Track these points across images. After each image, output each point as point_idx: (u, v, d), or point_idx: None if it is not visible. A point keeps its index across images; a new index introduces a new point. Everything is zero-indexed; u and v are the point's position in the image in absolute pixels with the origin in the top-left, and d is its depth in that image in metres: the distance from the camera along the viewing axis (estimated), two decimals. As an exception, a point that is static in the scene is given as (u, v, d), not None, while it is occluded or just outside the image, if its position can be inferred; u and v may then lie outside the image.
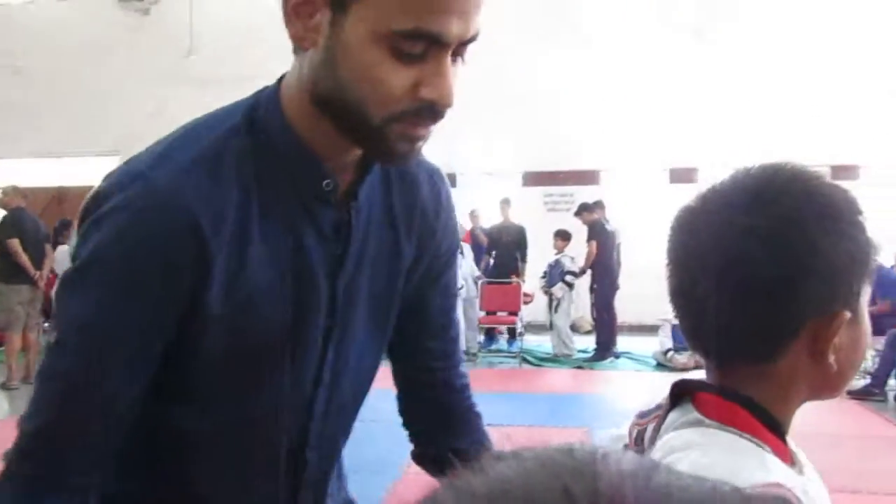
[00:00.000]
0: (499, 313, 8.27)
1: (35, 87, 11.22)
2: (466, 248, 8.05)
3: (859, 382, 6.24)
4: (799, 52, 9.26)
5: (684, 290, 0.69)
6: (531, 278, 8.57)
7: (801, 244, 0.63)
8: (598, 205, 7.96)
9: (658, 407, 0.73)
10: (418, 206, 0.91)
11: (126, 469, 0.82)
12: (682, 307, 0.70)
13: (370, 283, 0.87)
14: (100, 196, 0.74)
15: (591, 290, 7.97)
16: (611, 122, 9.91)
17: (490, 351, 8.42)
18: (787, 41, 9.28)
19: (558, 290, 7.82)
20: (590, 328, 8.72)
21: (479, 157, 9.89)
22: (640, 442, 0.75)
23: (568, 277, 7.80)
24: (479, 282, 8.14)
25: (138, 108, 10.89)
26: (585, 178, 10.16)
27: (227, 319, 0.77)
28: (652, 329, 7.89)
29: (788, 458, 0.67)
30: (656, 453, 0.67)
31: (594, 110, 9.88)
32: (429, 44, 0.67)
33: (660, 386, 0.74)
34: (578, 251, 7.95)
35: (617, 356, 7.82)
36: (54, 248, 7.17)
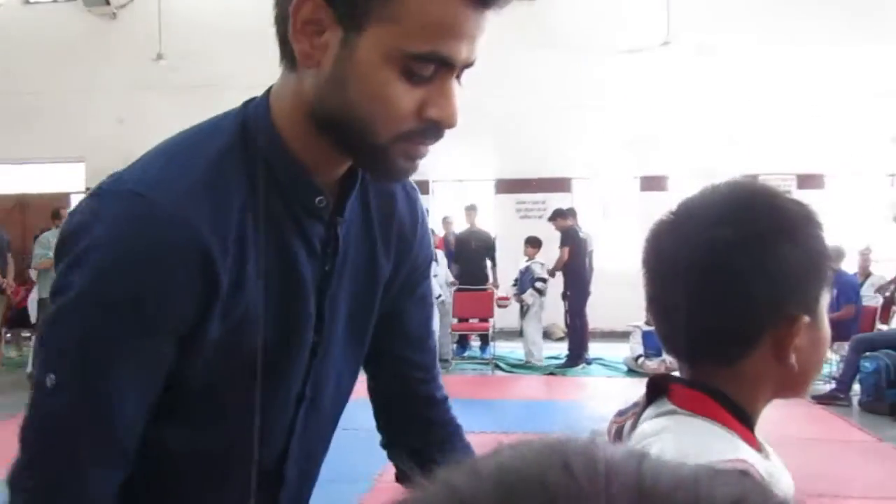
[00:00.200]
0: (471, 320, 8.29)
1: (-2, 92, 10.99)
2: (441, 255, 8.06)
3: (825, 388, 6.37)
4: (767, 65, 9.45)
5: (658, 297, 0.76)
6: (503, 283, 8.61)
7: (763, 255, 0.69)
8: (571, 212, 8.02)
9: (635, 405, 0.78)
10: (395, 219, 0.91)
11: None
12: (657, 313, 0.76)
13: (349, 298, 0.87)
14: (87, 222, 0.71)
15: (564, 297, 8.02)
16: (582, 131, 10.01)
17: (463, 358, 8.42)
18: (756, 55, 9.47)
19: (528, 296, 7.86)
20: (562, 335, 8.77)
21: (453, 164, 9.92)
22: (619, 438, 0.78)
23: (538, 284, 7.83)
24: (452, 288, 8.14)
25: (105, 114, 10.73)
26: (557, 185, 10.24)
27: (223, 340, 0.76)
28: (623, 335, 7.96)
29: (756, 447, 0.72)
30: (632, 442, 0.72)
31: (566, 119, 9.96)
32: (437, 66, 0.69)
33: (631, 391, 0.79)
34: (549, 258, 8.00)
35: (589, 362, 7.87)
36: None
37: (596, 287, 8.12)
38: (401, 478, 1.00)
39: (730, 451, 0.67)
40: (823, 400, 6.04)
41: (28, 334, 8.41)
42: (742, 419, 0.72)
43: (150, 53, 10.21)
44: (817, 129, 9.56)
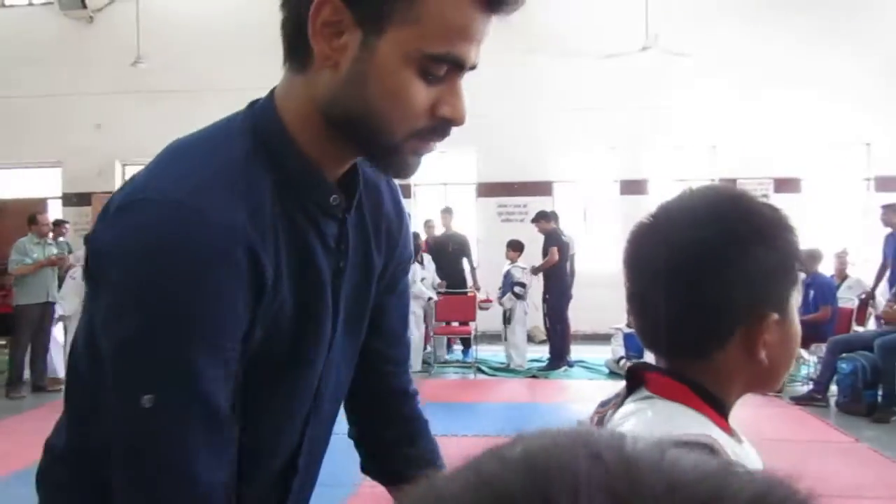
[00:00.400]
0: (452, 323, 8.29)
1: (-27, 96, 10.82)
2: (427, 259, 8.05)
3: (803, 389, 6.44)
4: (745, 70, 9.56)
5: (638, 294, 0.80)
6: (485, 287, 8.61)
7: (735, 256, 0.73)
8: (553, 215, 8.06)
9: (616, 396, 0.82)
10: (384, 215, 0.94)
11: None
12: (636, 309, 0.80)
13: (350, 293, 0.90)
14: (130, 237, 0.71)
15: (544, 299, 8.04)
16: (564, 135, 10.06)
17: (445, 361, 8.42)
18: (734, 60, 9.58)
19: (507, 300, 7.87)
20: (544, 338, 8.80)
21: (435, 168, 9.92)
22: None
23: (516, 289, 7.84)
24: (438, 291, 8.13)
25: (82, 119, 10.60)
26: (539, 189, 10.28)
27: (263, 337, 0.79)
28: (605, 338, 8.00)
29: (729, 432, 0.76)
30: (611, 426, 0.76)
31: (547, 123, 10.01)
32: (450, 67, 0.74)
33: (612, 393, 0.81)
34: (531, 262, 8.02)
35: (571, 365, 7.89)
36: (60, 283, 6.96)
37: (577, 290, 8.16)
38: (372, 471, 1.04)
39: (696, 427, 0.70)
40: (801, 401, 6.11)
41: (3, 342, 8.20)
42: (716, 407, 0.76)
43: (127, 58, 10.08)
44: (794, 133, 9.69)
